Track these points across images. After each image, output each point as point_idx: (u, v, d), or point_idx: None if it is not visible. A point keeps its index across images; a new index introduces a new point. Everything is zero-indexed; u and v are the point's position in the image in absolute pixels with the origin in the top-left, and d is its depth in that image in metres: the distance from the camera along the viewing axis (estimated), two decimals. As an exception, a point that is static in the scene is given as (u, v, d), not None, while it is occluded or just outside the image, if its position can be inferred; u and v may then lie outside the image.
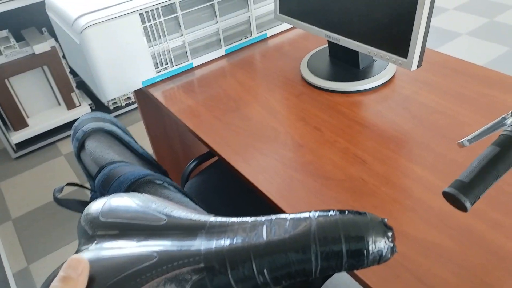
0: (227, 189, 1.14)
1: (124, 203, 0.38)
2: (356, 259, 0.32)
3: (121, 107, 2.40)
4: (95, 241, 0.35)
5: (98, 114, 0.87)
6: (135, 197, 0.39)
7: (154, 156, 1.59)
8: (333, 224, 0.33)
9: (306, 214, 0.35)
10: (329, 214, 0.34)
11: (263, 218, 0.36)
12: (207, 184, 1.17)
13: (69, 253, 1.72)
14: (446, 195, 0.46)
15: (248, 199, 1.08)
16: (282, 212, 0.70)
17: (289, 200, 0.71)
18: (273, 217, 0.36)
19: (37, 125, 2.24)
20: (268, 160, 0.80)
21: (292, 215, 0.35)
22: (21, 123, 2.20)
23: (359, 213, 0.34)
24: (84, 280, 0.31)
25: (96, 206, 0.39)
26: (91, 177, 0.77)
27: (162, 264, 0.32)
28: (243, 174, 0.79)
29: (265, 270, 0.32)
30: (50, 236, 1.80)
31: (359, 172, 0.74)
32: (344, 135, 0.83)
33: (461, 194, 0.44)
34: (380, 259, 0.33)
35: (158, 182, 0.70)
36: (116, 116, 2.42)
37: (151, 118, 1.47)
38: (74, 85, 2.27)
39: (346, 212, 0.34)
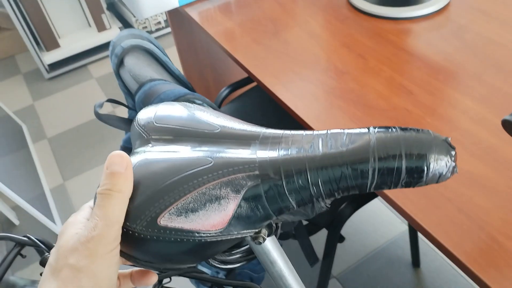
0: (264, 116, 1.14)
1: (177, 111, 0.38)
2: (415, 177, 0.31)
3: (151, 32, 2.35)
4: (150, 144, 0.35)
5: (136, 31, 0.85)
6: (188, 106, 0.39)
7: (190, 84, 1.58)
8: (394, 139, 0.32)
9: (364, 130, 0.33)
10: (390, 130, 0.32)
11: (317, 131, 0.35)
12: (242, 110, 1.16)
13: (102, 173, 1.80)
14: (506, 123, 0.44)
15: (286, 126, 1.08)
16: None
17: (328, 126, 0.70)
18: (329, 131, 0.35)
19: (68, 45, 2.24)
20: (308, 86, 0.78)
21: (349, 130, 0.34)
22: (53, 43, 2.20)
23: (422, 131, 0.32)
24: (131, 174, 0.31)
25: (149, 112, 0.38)
26: (130, 94, 0.77)
27: (218, 168, 0.32)
28: (281, 99, 0.77)
29: (319, 182, 0.32)
30: (84, 156, 1.87)
31: (404, 103, 0.71)
32: (390, 64, 0.79)
33: (525, 123, 0.42)
34: (439, 178, 0.32)
35: (198, 102, 0.70)
36: (145, 42, 2.39)
37: (184, 43, 1.43)
38: (104, 6, 2.23)
39: (408, 129, 0.32)
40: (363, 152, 0.32)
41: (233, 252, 0.42)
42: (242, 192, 0.31)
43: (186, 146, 0.34)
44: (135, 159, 0.34)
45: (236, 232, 0.32)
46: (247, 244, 0.41)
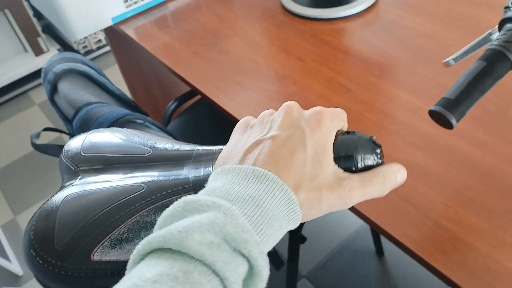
0: (210, 128, 1.13)
1: (105, 138, 0.36)
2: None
3: (92, 51, 2.29)
4: (79, 177, 0.34)
5: (68, 54, 0.82)
6: (116, 132, 0.38)
7: (134, 101, 1.54)
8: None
9: None
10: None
11: None
12: (190, 124, 1.15)
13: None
14: (432, 113, 0.46)
15: (232, 136, 1.07)
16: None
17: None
18: None
19: (5, 74, 2.12)
20: (251, 93, 0.78)
21: None
22: (-13, 73, 2.08)
23: (348, 133, 0.33)
24: None
25: (76, 142, 0.37)
26: (68, 120, 0.74)
27: (151, 194, 0.31)
28: (226, 110, 0.77)
29: None
30: (33, 187, 1.78)
31: (344, 100, 0.73)
32: (328, 64, 0.81)
33: (447, 111, 0.44)
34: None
35: (139, 121, 0.68)
36: (92, 59, 2.32)
37: (126, 60, 1.40)
38: (39, 29, 2.14)
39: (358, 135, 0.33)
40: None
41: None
42: None
43: (117, 174, 0.33)
44: (62, 194, 0.32)
45: None
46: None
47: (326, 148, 0.31)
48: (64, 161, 0.35)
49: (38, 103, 2.16)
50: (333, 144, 0.32)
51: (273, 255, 0.94)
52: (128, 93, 1.50)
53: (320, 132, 0.31)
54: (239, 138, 0.32)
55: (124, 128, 0.39)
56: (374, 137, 0.33)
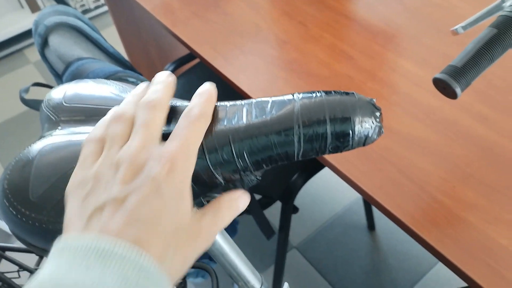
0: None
1: (89, 89, 0.34)
2: (341, 141, 0.30)
3: (90, 10, 2.22)
4: (59, 127, 0.32)
5: (61, 7, 0.79)
6: (102, 83, 0.35)
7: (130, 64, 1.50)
8: (318, 105, 0.30)
9: (289, 96, 0.32)
10: (314, 95, 0.31)
11: (243, 101, 0.32)
12: (187, 87, 1.12)
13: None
14: (436, 82, 0.43)
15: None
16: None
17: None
18: (254, 100, 0.32)
19: (0, 30, 2.07)
20: (250, 58, 0.75)
21: (275, 98, 0.32)
22: (-19, 28, 2.03)
23: (347, 93, 0.31)
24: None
25: (59, 92, 0.35)
26: (58, 76, 0.71)
27: None
28: (223, 73, 0.74)
29: (245, 154, 0.30)
30: (26, 145, 1.76)
31: (346, 69, 0.70)
32: (331, 30, 0.77)
33: (452, 80, 0.42)
34: (366, 140, 0.30)
35: (131, 79, 0.66)
36: (90, 18, 2.25)
37: (123, 21, 1.36)
38: (35, -15, 2.06)
39: (333, 92, 0.31)
40: (287, 119, 0.30)
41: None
42: None
43: None
44: (40, 144, 0.30)
45: None
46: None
47: (184, 194, 0.25)
48: (45, 110, 0.33)
49: (33, 62, 2.11)
50: (327, 105, 0.30)
51: (264, 224, 0.94)
52: (125, 55, 1.46)
53: (176, 177, 0.25)
54: (79, 198, 0.25)
55: (111, 80, 0.37)
56: (374, 100, 0.31)
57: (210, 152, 0.30)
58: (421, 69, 0.68)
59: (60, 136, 0.30)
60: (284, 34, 0.78)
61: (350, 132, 0.30)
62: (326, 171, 1.47)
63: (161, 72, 0.31)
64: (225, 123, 0.31)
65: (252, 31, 0.80)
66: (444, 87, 0.43)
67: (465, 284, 0.48)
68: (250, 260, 1.30)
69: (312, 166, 0.91)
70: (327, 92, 0.31)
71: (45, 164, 0.29)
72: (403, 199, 0.53)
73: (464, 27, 0.53)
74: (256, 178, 0.32)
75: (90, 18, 2.25)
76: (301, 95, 0.31)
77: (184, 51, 1.44)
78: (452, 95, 0.43)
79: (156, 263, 0.22)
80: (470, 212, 0.51)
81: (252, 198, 0.91)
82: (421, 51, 0.71)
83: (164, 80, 0.30)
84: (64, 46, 0.69)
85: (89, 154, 0.27)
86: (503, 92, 0.63)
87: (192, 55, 1.15)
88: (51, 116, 0.33)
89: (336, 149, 0.31)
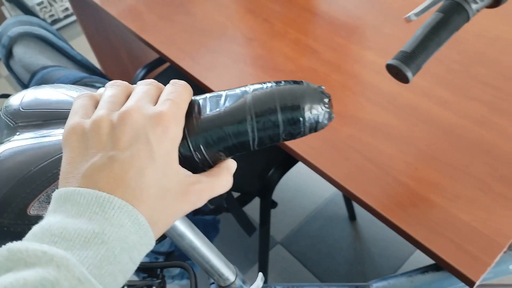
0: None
1: (46, 94, 0.35)
2: (293, 127, 0.31)
3: (59, 20, 2.19)
4: (17, 133, 0.32)
5: (24, 17, 0.78)
6: (59, 88, 0.36)
7: (102, 71, 1.49)
8: (269, 95, 0.31)
9: (242, 88, 0.33)
10: (265, 86, 0.32)
11: (197, 97, 0.33)
12: (159, 91, 1.12)
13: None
14: (389, 67, 0.45)
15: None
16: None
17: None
18: (209, 94, 0.33)
19: (-33, 45, 2.02)
20: (217, 56, 0.76)
21: (228, 91, 0.33)
22: None
23: (296, 82, 0.32)
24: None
25: (16, 99, 0.35)
26: (24, 85, 0.71)
27: None
28: (190, 73, 0.75)
29: (201, 147, 0.31)
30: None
31: (310, 62, 0.72)
32: (295, 26, 0.79)
33: (403, 65, 0.43)
34: (317, 125, 0.32)
35: (97, 85, 0.66)
36: (59, 29, 2.22)
37: (92, 29, 1.35)
38: (1, -3, 2.03)
39: (283, 82, 0.32)
40: (239, 110, 0.31)
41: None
42: None
43: (57, 129, 0.32)
44: None
45: None
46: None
47: (173, 157, 0.28)
48: (3, 117, 0.34)
49: (5, 76, 2.07)
50: (277, 95, 0.31)
51: (244, 221, 0.95)
52: (97, 64, 1.45)
53: (167, 140, 0.27)
54: (77, 151, 0.26)
55: (70, 85, 0.37)
56: (323, 87, 0.33)
57: None
58: (383, 58, 0.70)
59: (18, 141, 0.31)
60: (249, 32, 0.80)
61: (301, 118, 0.31)
62: (304, 166, 1.50)
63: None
64: None
65: (219, 30, 0.81)
66: (396, 73, 0.45)
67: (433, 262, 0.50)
68: (234, 258, 1.30)
69: (287, 161, 0.92)
70: (277, 83, 0.32)
71: (4, 169, 0.29)
72: (370, 184, 0.55)
73: (417, 14, 0.55)
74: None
75: (60, 28, 2.22)
76: (253, 87, 0.32)
77: (155, 55, 1.44)
78: (404, 79, 0.45)
79: (145, 220, 0.25)
80: (432, 191, 0.53)
81: (231, 197, 0.92)
82: (382, 40, 0.73)
83: (151, 81, 0.32)
84: (29, 56, 0.69)
85: (83, 106, 0.28)
86: (460, 76, 0.65)
87: (163, 59, 1.15)
88: (9, 123, 0.33)
89: (290, 136, 0.32)
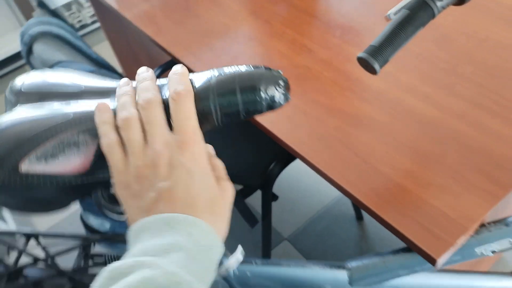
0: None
1: (44, 76, 0.41)
2: (251, 106, 0.36)
3: (87, 25, 2.31)
4: (17, 106, 0.38)
5: (45, 18, 0.86)
6: (57, 71, 0.42)
7: (124, 74, 1.58)
8: (231, 78, 0.36)
9: (209, 72, 0.38)
10: (229, 71, 0.37)
11: (165, 78, 0.39)
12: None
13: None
14: (360, 60, 0.49)
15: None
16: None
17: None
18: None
19: (2, 49, 2.17)
20: (218, 54, 0.81)
21: (196, 73, 0.38)
22: (-16, 47, 2.13)
23: (256, 67, 0.37)
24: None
25: (20, 79, 0.41)
26: (43, 79, 0.78)
27: (77, 122, 0.35)
28: (192, 70, 0.80)
29: (171, 120, 0.36)
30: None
31: (305, 61, 0.76)
32: (293, 26, 0.84)
33: (370, 57, 0.47)
34: (273, 105, 0.36)
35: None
36: (83, 35, 2.34)
37: (114, 32, 1.44)
38: (34, 3, 2.16)
39: (244, 67, 0.37)
40: (204, 91, 0.36)
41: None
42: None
43: (51, 105, 0.37)
44: None
45: (102, 176, 0.36)
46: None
47: (205, 165, 0.34)
48: (7, 96, 0.40)
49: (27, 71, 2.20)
50: (238, 78, 0.35)
51: (246, 213, 0.99)
52: (119, 67, 1.54)
53: (196, 158, 0.33)
54: (130, 200, 0.32)
55: (67, 68, 0.43)
56: (281, 72, 0.37)
57: None
58: (372, 56, 0.73)
59: (16, 113, 0.37)
60: (250, 32, 0.85)
61: (257, 98, 0.36)
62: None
63: (141, 68, 0.38)
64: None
65: (222, 30, 0.86)
66: (366, 65, 0.49)
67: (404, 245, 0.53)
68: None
69: (288, 156, 0.96)
70: (240, 67, 0.37)
71: (3, 134, 0.35)
72: (349, 170, 0.58)
73: (395, 13, 0.58)
74: None
75: (87, 33, 2.34)
76: (218, 72, 0.37)
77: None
78: (372, 71, 0.48)
79: (207, 224, 0.31)
80: (406, 178, 0.56)
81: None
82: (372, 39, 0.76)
83: (149, 75, 0.37)
84: (47, 52, 0.76)
85: (119, 159, 0.33)
86: (447, 73, 0.68)
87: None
88: (12, 101, 0.39)
89: (248, 114, 0.37)
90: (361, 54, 0.48)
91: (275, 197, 1.03)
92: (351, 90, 0.69)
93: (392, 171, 0.57)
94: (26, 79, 0.40)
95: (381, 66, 0.48)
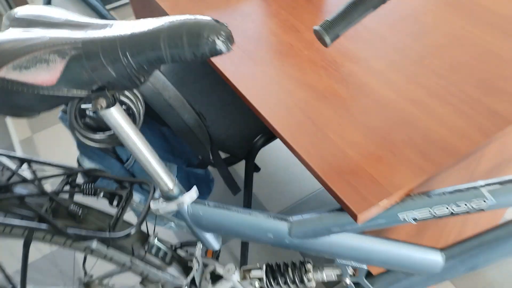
0: (196, 80, 1.25)
1: (37, 8, 0.49)
2: (195, 49, 0.43)
3: (112, 0, 2.43)
4: (8, 29, 0.47)
5: (68, -23, 0.95)
6: (48, 6, 0.50)
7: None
8: (180, 24, 0.44)
9: (164, 18, 0.45)
10: (179, 19, 0.44)
11: (134, 21, 0.46)
12: (181, 73, 1.27)
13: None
14: (315, 33, 0.55)
15: (217, 88, 1.19)
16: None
17: (226, 60, 0.81)
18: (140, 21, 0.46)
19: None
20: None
21: (154, 18, 0.46)
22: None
23: (205, 18, 0.44)
24: None
25: (17, 8, 0.50)
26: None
27: (50, 44, 0.43)
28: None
29: (127, 53, 0.44)
30: (52, 111, 1.98)
31: (290, 39, 0.83)
32: (288, 9, 0.90)
33: (323, 31, 0.53)
34: (216, 50, 0.44)
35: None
36: (112, 9, 2.46)
37: (140, 7, 1.52)
38: None
39: (194, 17, 0.44)
40: (157, 31, 0.43)
41: (97, 133, 0.54)
42: (67, 58, 0.43)
43: (35, 30, 0.46)
44: None
45: (66, 90, 0.44)
46: (110, 129, 0.53)
47: None
48: (4, 21, 0.49)
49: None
50: (186, 25, 0.43)
51: (229, 180, 1.07)
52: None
53: None
54: None
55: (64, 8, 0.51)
56: (226, 24, 0.44)
57: (103, 51, 0.44)
58: (350, 43, 0.79)
59: (5, 33, 0.45)
60: (247, 8, 0.92)
61: (201, 43, 0.43)
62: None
63: None
64: (116, 34, 0.45)
65: (222, 3, 0.94)
66: (319, 38, 0.55)
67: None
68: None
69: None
70: (189, 17, 0.44)
71: None
72: (305, 138, 0.65)
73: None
74: (140, 82, 0.46)
75: (113, 8, 2.46)
76: (172, 17, 0.45)
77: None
78: (324, 43, 0.55)
79: None
80: (351, 147, 0.62)
81: (219, 156, 1.05)
82: (356, 28, 0.82)
83: None
84: (64, 7, 0.86)
85: None
86: (414, 64, 0.73)
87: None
88: (6, 24, 0.48)
89: (194, 56, 0.44)
90: (316, 27, 0.55)
91: (257, 168, 1.11)
92: (324, 68, 0.75)
93: (341, 141, 0.63)
94: (21, 9, 0.49)
95: (331, 40, 0.54)
